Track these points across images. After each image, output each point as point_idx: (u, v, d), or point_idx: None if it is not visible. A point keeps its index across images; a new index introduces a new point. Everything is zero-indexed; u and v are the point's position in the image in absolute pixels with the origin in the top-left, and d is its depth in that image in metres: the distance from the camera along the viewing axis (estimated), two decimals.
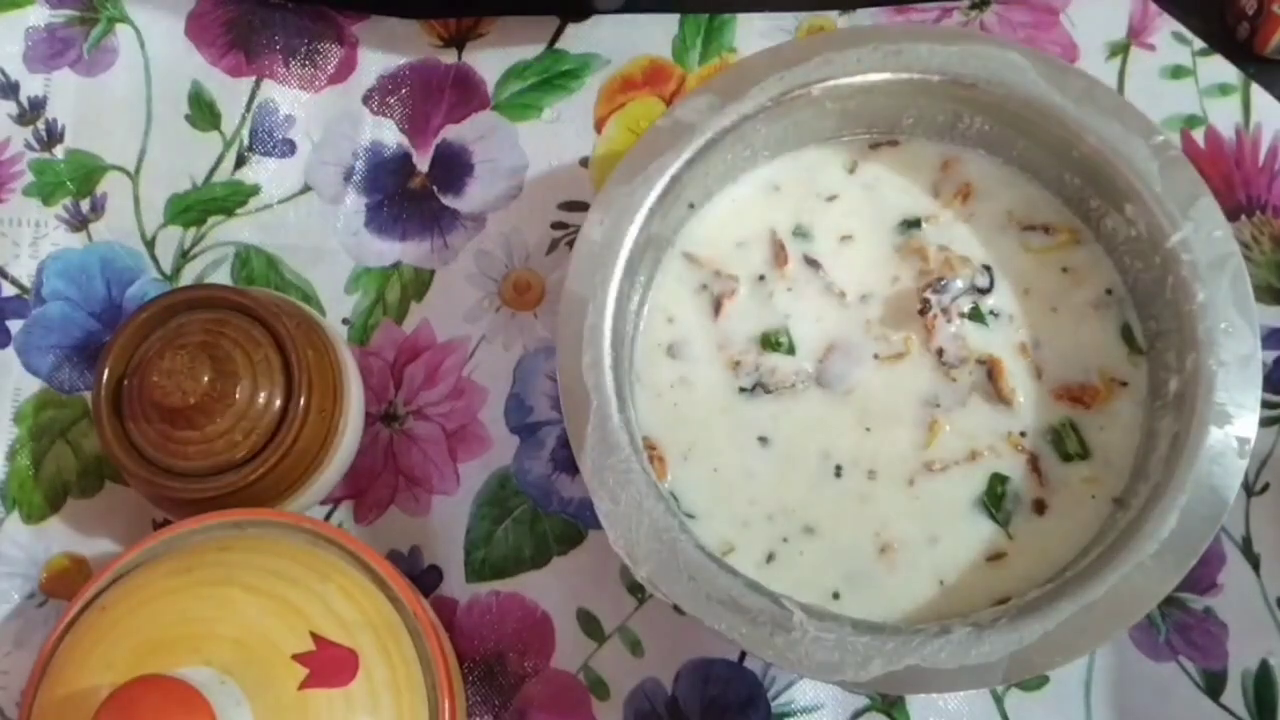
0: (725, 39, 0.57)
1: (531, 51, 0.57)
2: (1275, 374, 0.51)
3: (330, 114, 0.57)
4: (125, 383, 0.47)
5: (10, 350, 0.55)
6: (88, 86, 0.58)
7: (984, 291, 0.49)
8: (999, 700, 0.49)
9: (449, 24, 0.58)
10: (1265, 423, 0.49)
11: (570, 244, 0.54)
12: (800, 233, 0.51)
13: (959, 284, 0.49)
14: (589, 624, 0.50)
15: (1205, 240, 0.45)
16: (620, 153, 0.49)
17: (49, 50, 0.58)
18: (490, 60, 0.57)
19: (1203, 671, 0.48)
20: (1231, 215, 0.52)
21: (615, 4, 0.57)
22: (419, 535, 0.52)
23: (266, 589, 0.41)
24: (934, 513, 0.47)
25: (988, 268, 0.49)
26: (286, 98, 0.57)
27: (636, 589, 0.50)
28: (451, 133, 0.57)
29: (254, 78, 0.57)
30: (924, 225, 0.50)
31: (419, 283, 0.55)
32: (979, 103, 0.49)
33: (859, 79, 0.49)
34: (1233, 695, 0.48)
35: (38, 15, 0.59)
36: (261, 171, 0.57)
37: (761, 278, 0.50)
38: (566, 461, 0.52)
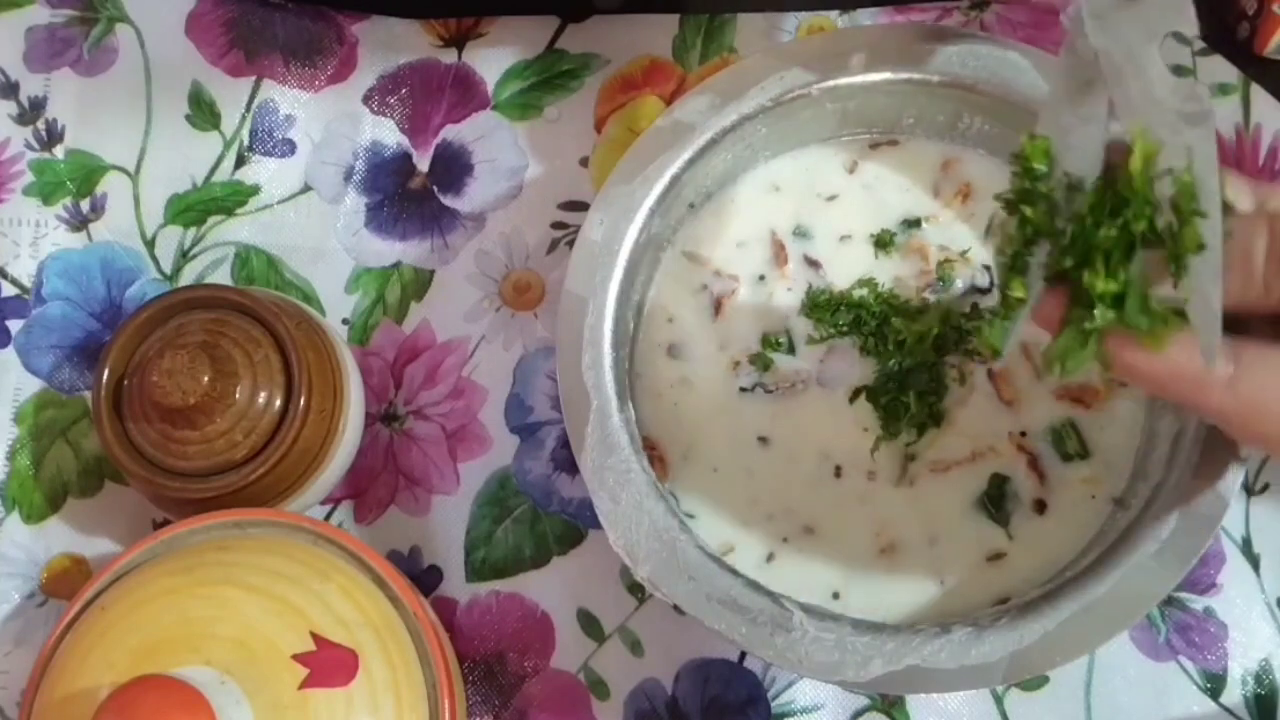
0: (725, 39, 0.57)
1: (531, 51, 0.57)
2: None
3: (330, 114, 0.57)
4: (125, 383, 0.47)
5: (10, 350, 0.55)
6: (88, 86, 0.58)
7: (984, 291, 0.49)
8: (999, 700, 0.49)
9: (449, 24, 0.58)
10: None
11: (570, 244, 0.54)
12: (800, 233, 0.51)
13: (959, 284, 0.49)
14: (589, 624, 0.50)
15: None
16: (620, 153, 0.49)
17: (49, 50, 0.58)
18: (490, 60, 0.57)
19: (1203, 671, 0.48)
20: None
21: (615, 4, 0.57)
22: (419, 535, 0.52)
23: (266, 589, 0.41)
24: (934, 513, 0.47)
25: (988, 268, 0.49)
26: (286, 98, 0.57)
27: (636, 589, 0.50)
28: (451, 133, 0.57)
29: (254, 78, 0.57)
30: (924, 225, 0.50)
31: (419, 283, 0.55)
32: (979, 103, 0.49)
33: (859, 79, 0.49)
34: (1233, 695, 0.48)
35: (38, 15, 0.59)
36: (261, 171, 0.57)
37: (761, 278, 0.50)
38: (566, 461, 0.52)
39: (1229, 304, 0.34)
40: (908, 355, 0.48)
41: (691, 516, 0.47)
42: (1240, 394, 0.34)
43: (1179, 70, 0.34)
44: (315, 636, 0.40)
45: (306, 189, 0.56)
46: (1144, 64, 0.34)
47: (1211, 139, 0.33)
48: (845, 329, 0.48)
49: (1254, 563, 0.49)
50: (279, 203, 0.56)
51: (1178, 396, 0.35)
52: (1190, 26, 0.34)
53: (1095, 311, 0.34)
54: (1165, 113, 0.34)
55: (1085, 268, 0.34)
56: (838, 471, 0.48)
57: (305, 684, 0.39)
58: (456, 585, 0.51)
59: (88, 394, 0.54)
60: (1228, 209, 0.35)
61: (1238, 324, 0.35)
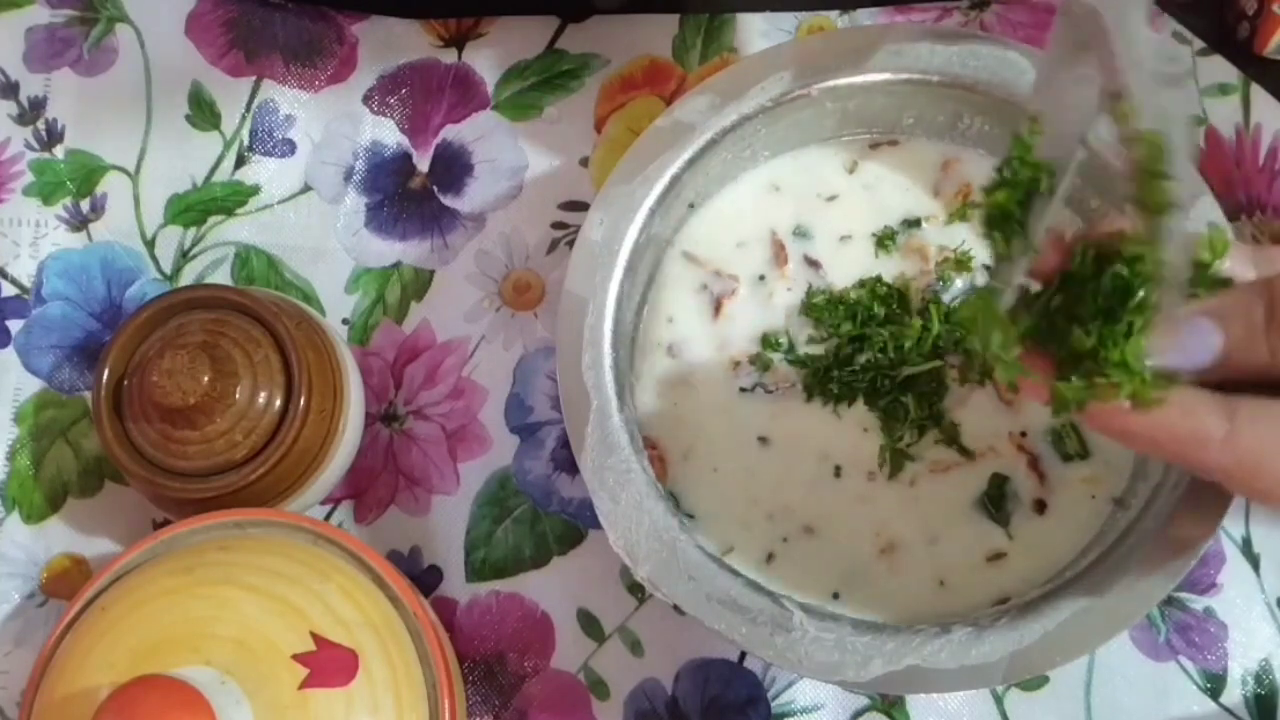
0: (725, 39, 0.57)
1: (531, 51, 0.57)
2: None
3: (330, 114, 0.57)
4: (125, 383, 0.47)
5: (10, 350, 0.55)
6: (88, 86, 0.58)
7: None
8: (999, 700, 0.49)
9: (449, 24, 0.58)
10: None
11: (570, 244, 0.54)
12: (800, 233, 0.51)
13: (959, 284, 0.49)
14: (589, 624, 0.50)
15: None
16: (620, 153, 0.49)
17: (49, 50, 0.58)
18: (490, 60, 0.57)
19: (1203, 671, 0.48)
20: (1231, 215, 0.52)
21: (615, 4, 0.57)
22: (419, 535, 0.52)
23: (266, 589, 0.41)
24: (934, 513, 0.47)
25: (988, 268, 0.49)
26: (286, 98, 0.57)
27: (636, 589, 0.50)
28: (451, 133, 0.57)
29: (254, 78, 0.57)
30: (924, 225, 0.50)
31: (419, 283, 0.55)
32: (979, 103, 0.49)
33: (859, 79, 0.49)
34: (1233, 695, 0.48)
35: (38, 15, 0.59)
36: (261, 171, 0.57)
37: (761, 278, 0.50)
38: (566, 461, 0.52)
39: (1235, 372, 0.34)
40: (907, 356, 0.48)
41: (691, 516, 0.47)
42: (1238, 450, 0.34)
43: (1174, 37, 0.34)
44: (315, 636, 0.40)
45: (306, 189, 0.56)
46: (1129, 22, 0.34)
47: (1187, 102, 0.33)
48: (845, 329, 0.48)
49: (1254, 563, 0.49)
50: (279, 203, 0.56)
51: (1174, 457, 0.35)
52: None
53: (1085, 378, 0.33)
54: (1144, 74, 0.34)
55: (1074, 325, 0.34)
56: (837, 471, 0.48)
57: (305, 684, 0.39)
58: (456, 585, 0.51)
59: (88, 394, 0.54)
60: (1225, 282, 0.35)
61: (1235, 384, 0.35)
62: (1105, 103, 0.34)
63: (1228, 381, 0.35)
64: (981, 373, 0.47)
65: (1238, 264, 0.36)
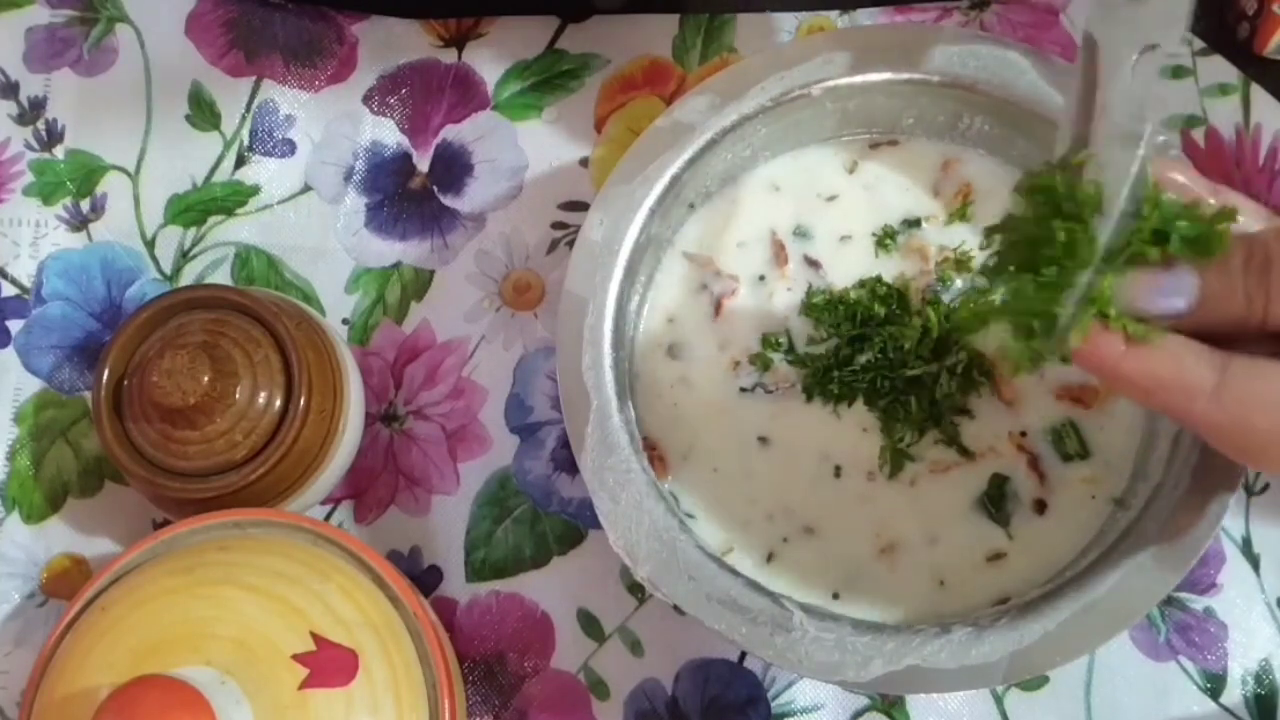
0: (725, 39, 0.57)
1: (531, 51, 0.57)
2: None
3: (330, 114, 0.57)
4: (125, 383, 0.47)
5: (10, 350, 0.55)
6: (88, 86, 0.58)
7: (984, 292, 0.49)
8: (999, 700, 0.49)
9: (449, 24, 0.58)
10: None
11: (570, 244, 0.54)
12: (800, 233, 0.51)
13: (959, 284, 0.49)
14: (589, 624, 0.50)
15: None
16: (620, 153, 0.49)
17: (49, 50, 0.58)
18: (490, 60, 0.57)
19: (1203, 671, 0.48)
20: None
21: (615, 4, 0.57)
22: (419, 535, 0.52)
23: (266, 589, 0.41)
24: (934, 513, 0.47)
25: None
26: (286, 98, 0.57)
27: (636, 589, 0.50)
28: (451, 133, 0.57)
29: (254, 78, 0.57)
30: (924, 225, 0.50)
31: (419, 283, 0.55)
32: (979, 103, 0.49)
33: (859, 79, 0.49)
34: (1233, 695, 0.48)
35: (38, 15, 0.59)
36: (261, 171, 0.57)
37: (761, 278, 0.50)
38: (566, 461, 0.52)
39: (1213, 319, 0.34)
40: (907, 356, 0.48)
41: (691, 516, 0.47)
42: (1225, 405, 0.34)
43: (1176, 72, 0.34)
44: (315, 636, 0.40)
45: (306, 189, 0.56)
46: (1120, 62, 0.35)
47: (1132, 164, 0.33)
48: (845, 329, 0.48)
49: (1254, 563, 0.49)
50: (279, 203, 0.56)
51: (1162, 406, 0.35)
52: (1174, 43, 0.34)
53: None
54: (1111, 124, 0.34)
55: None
56: (837, 471, 0.48)
57: (305, 684, 0.39)
58: (456, 585, 0.51)
59: (88, 394, 0.54)
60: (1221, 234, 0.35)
61: (1229, 339, 0.35)
62: (1072, 143, 0.35)
63: (1205, 330, 0.34)
64: (981, 373, 0.48)
65: (1249, 218, 0.36)
